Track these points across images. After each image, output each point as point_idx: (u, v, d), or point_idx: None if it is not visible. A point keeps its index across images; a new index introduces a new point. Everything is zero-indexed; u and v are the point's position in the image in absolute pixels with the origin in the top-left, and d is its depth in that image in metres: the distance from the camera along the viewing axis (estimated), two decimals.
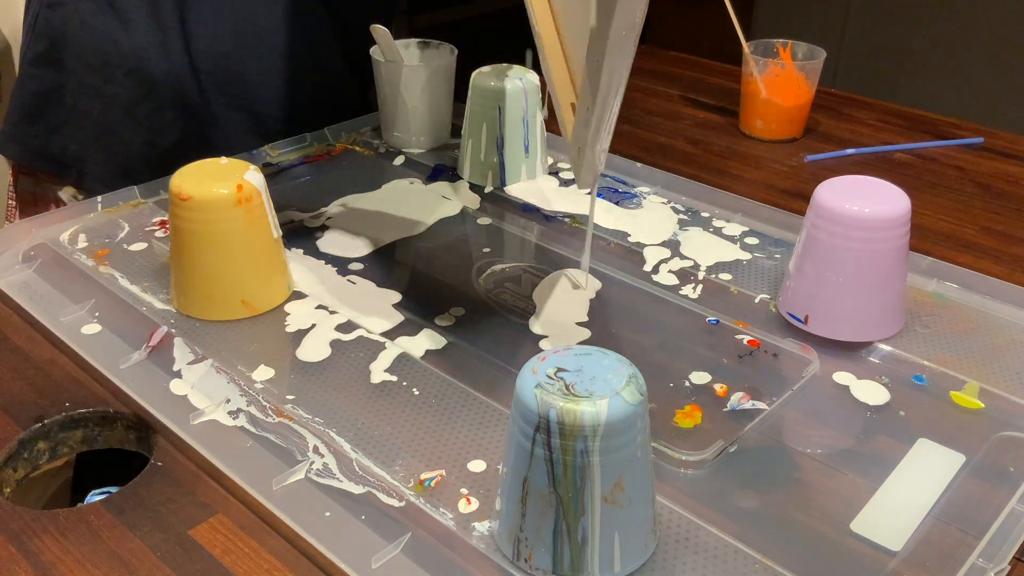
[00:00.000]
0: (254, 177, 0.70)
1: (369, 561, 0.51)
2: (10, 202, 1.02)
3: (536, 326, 0.72)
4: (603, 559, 0.50)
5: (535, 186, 0.93)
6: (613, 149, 0.99)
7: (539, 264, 0.81)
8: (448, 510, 0.55)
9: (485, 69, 0.92)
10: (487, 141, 0.92)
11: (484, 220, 0.88)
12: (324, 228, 0.85)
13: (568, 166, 0.97)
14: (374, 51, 0.96)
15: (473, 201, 0.90)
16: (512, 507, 0.50)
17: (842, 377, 0.67)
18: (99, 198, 0.87)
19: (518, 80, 0.90)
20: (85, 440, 0.65)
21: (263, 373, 0.66)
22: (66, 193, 0.98)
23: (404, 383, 0.66)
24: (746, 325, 0.72)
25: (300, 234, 0.84)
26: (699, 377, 0.66)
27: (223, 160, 0.73)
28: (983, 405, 0.64)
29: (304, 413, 0.62)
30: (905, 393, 0.65)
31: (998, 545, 0.53)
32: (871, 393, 0.65)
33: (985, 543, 0.53)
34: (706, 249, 0.82)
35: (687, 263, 0.80)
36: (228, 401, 0.63)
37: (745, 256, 0.81)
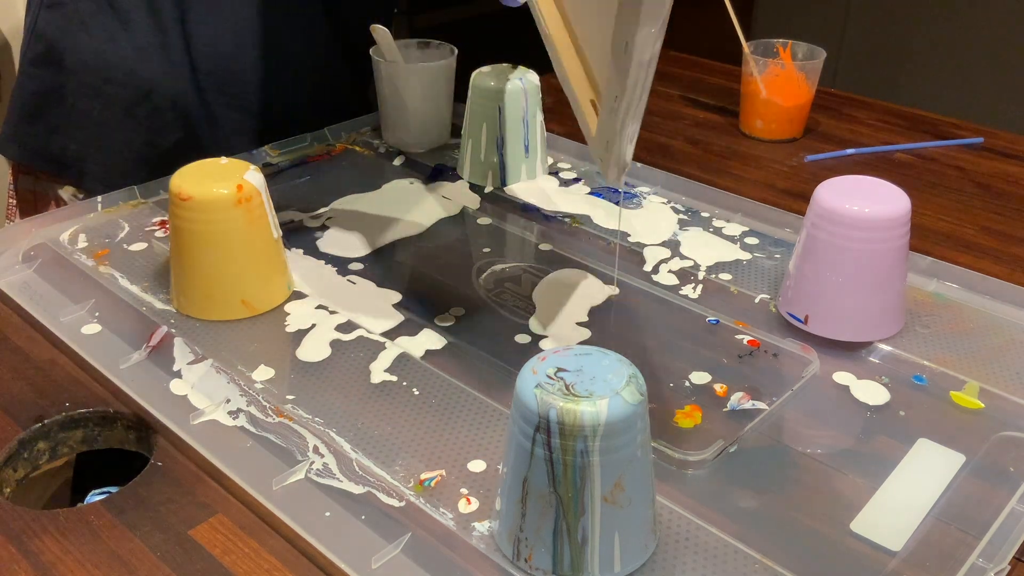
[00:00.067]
0: (254, 177, 0.70)
1: (369, 561, 0.51)
2: (10, 201, 1.02)
3: (536, 326, 0.72)
4: (603, 559, 0.50)
5: (535, 186, 0.93)
6: None
7: (539, 264, 0.81)
8: (448, 510, 0.55)
9: (485, 69, 0.92)
10: (487, 141, 0.92)
11: (484, 220, 0.88)
12: (324, 228, 0.85)
13: (568, 166, 0.97)
14: (374, 51, 0.96)
15: (473, 201, 0.90)
16: (512, 507, 0.50)
17: (842, 377, 0.67)
18: (99, 198, 0.87)
19: (518, 80, 0.90)
20: (85, 440, 0.65)
21: (263, 373, 0.66)
22: (66, 192, 0.98)
23: (404, 383, 0.66)
24: (746, 325, 0.72)
25: (300, 234, 0.84)
26: (699, 377, 0.66)
27: (223, 160, 0.73)
28: (983, 405, 0.64)
29: (304, 413, 0.62)
30: (905, 393, 0.65)
31: (998, 545, 0.53)
32: (871, 393, 0.65)
33: (985, 543, 0.53)
34: (706, 249, 0.82)
35: (687, 263, 0.80)
36: (228, 401, 0.63)
37: (745, 256, 0.81)
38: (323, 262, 0.80)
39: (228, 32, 0.94)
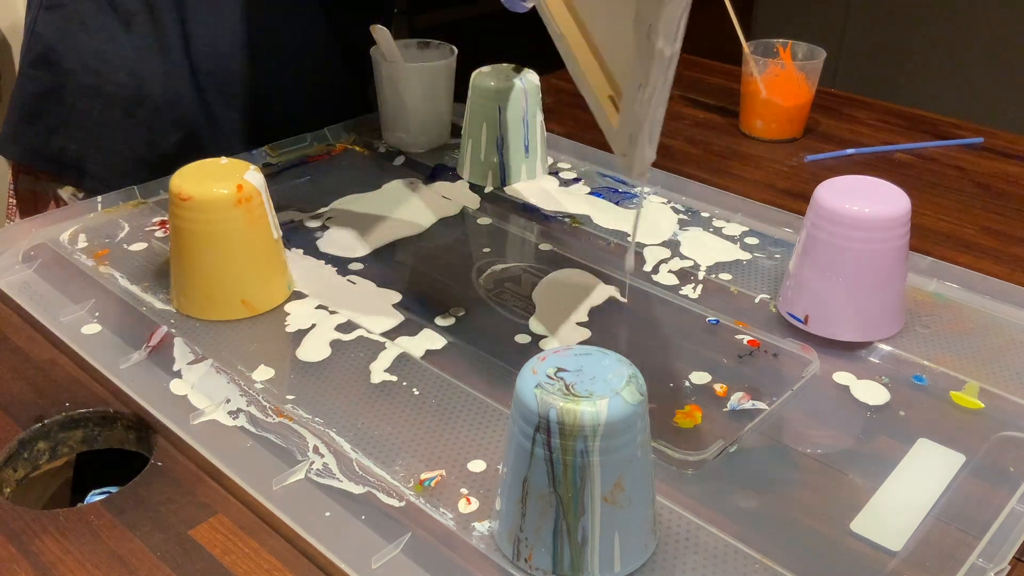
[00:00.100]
0: (254, 177, 0.70)
1: (369, 561, 0.51)
2: (10, 201, 1.02)
3: (536, 326, 0.72)
4: (603, 559, 0.50)
5: (535, 186, 0.93)
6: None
7: (539, 264, 0.81)
8: (448, 510, 0.55)
9: (485, 69, 0.92)
10: (487, 141, 0.92)
11: (484, 220, 0.88)
12: (324, 228, 0.85)
13: (568, 166, 0.97)
14: (374, 51, 0.96)
15: (473, 201, 0.90)
16: (512, 507, 0.50)
17: (842, 377, 0.67)
18: (99, 198, 0.87)
19: (518, 80, 0.90)
20: (85, 440, 0.65)
21: (263, 373, 0.66)
22: (66, 192, 0.98)
23: (404, 383, 0.66)
24: (746, 325, 0.72)
25: (300, 234, 0.84)
26: (699, 377, 0.66)
27: (223, 160, 0.73)
28: (983, 405, 0.64)
29: (304, 413, 0.62)
30: (905, 393, 0.65)
31: (998, 545, 0.53)
32: (871, 393, 0.65)
33: (985, 543, 0.53)
34: (706, 249, 0.82)
35: (687, 263, 0.80)
36: (228, 401, 0.63)
37: (745, 256, 0.81)
38: (323, 262, 0.80)
39: (227, 33, 0.94)
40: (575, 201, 0.90)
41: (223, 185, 0.69)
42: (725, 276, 0.78)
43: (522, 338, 0.71)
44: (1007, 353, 0.69)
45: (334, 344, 0.69)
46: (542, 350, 0.56)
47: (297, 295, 0.75)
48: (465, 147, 0.94)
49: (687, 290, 0.77)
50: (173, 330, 0.70)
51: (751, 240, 0.84)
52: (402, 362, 0.68)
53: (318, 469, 0.58)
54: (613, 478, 0.48)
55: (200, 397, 0.64)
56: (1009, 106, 2.42)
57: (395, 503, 0.55)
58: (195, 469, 0.59)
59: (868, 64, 2.67)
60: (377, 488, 0.56)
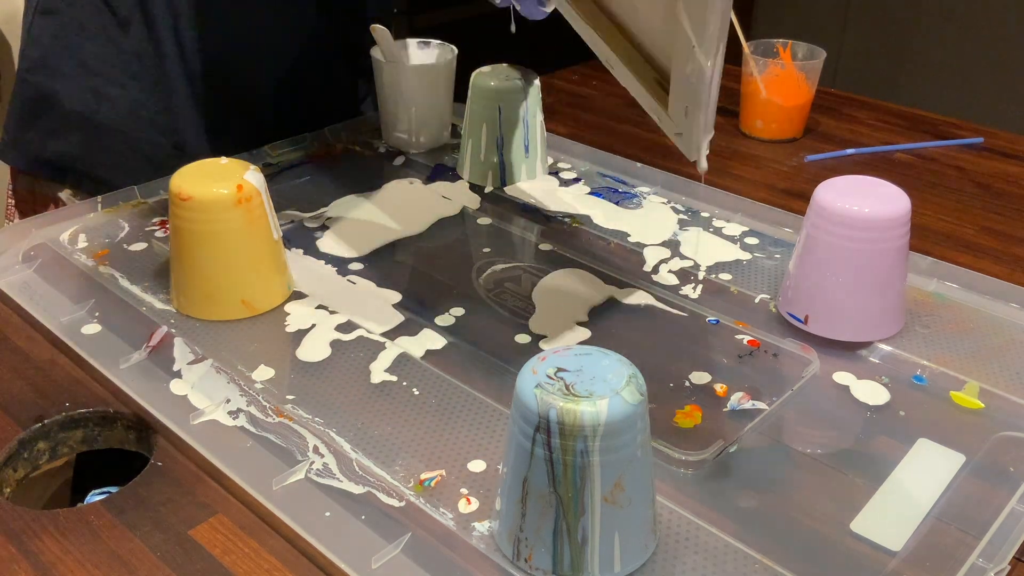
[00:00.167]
0: (254, 177, 0.70)
1: (369, 561, 0.51)
2: (9, 201, 1.02)
3: (536, 326, 0.72)
4: (603, 559, 0.50)
5: (535, 186, 0.93)
6: (613, 148, 0.99)
7: (539, 264, 0.81)
8: (448, 510, 0.55)
9: (485, 69, 0.92)
10: (487, 141, 0.92)
11: (484, 220, 0.88)
12: (324, 228, 0.85)
13: (568, 166, 0.97)
14: (374, 51, 0.96)
15: (473, 201, 0.90)
16: (512, 507, 0.50)
17: (842, 377, 0.67)
18: (99, 198, 0.87)
19: (518, 80, 0.90)
20: (85, 440, 0.65)
21: (263, 373, 0.66)
22: (64, 194, 0.98)
23: (404, 383, 0.66)
24: (746, 325, 0.72)
25: (300, 234, 0.84)
26: (699, 377, 0.66)
27: (223, 160, 0.73)
28: (983, 405, 0.64)
29: (304, 413, 0.62)
30: (905, 393, 0.65)
31: (998, 545, 0.53)
32: (871, 393, 0.65)
33: (985, 543, 0.53)
34: (706, 249, 0.82)
35: (687, 263, 0.80)
36: (228, 401, 0.63)
37: (745, 256, 0.81)
38: (323, 262, 0.80)
39: (222, 36, 0.94)
40: (575, 201, 0.90)
41: (223, 185, 0.69)
42: (725, 276, 0.78)
43: (522, 338, 0.71)
44: (1007, 353, 0.69)
45: (334, 344, 0.69)
46: (542, 350, 0.56)
47: (297, 295, 0.75)
48: (465, 147, 0.94)
49: (687, 290, 0.77)
50: (173, 330, 0.70)
51: (751, 240, 0.84)
52: (402, 362, 0.68)
53: (318, 469, 0.58)
54: (613, 478, 0.48)
55: (200, 397, 0.64)
56: (1009, 106, 2.42)
57: (395, 503, 0.55)
58: (195, 469, 0.59)
59: (868, 64, 2.67)
60: (377, 488, 0.56)
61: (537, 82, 0.91)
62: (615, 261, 0.81)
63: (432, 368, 0.67)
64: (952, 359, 0.69)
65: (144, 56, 0.92)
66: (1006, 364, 0.68)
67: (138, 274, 0.77)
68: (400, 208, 0.89)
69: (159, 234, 0.83)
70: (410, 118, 0.98)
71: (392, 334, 0.71)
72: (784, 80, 1.05)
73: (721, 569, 0.52)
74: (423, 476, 0.57)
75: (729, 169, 1.02)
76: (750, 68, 1.06)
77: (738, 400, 0.64)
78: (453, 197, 0.91)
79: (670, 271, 0.79)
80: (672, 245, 0.83)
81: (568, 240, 0.84)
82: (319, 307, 0.74)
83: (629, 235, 0.84)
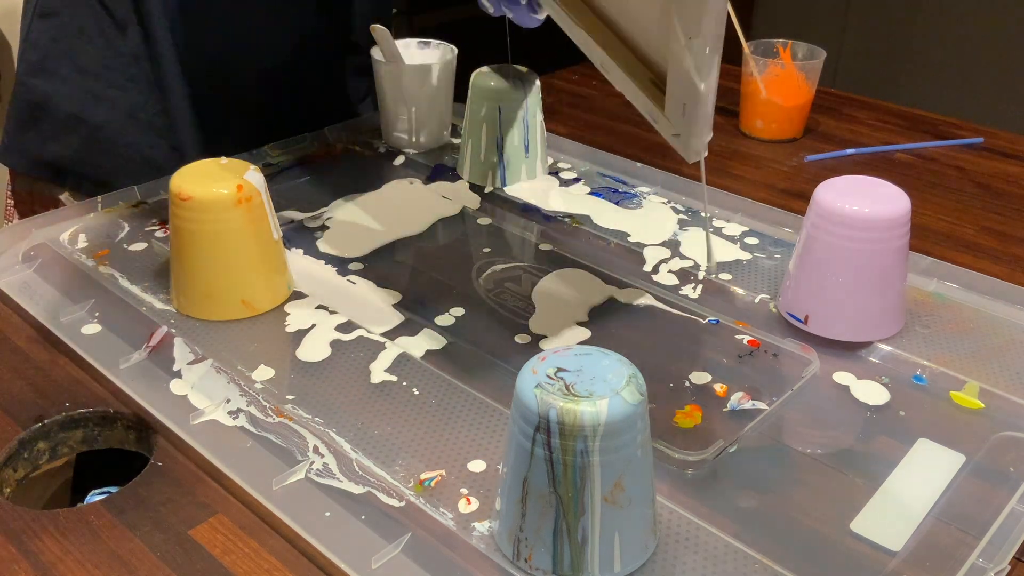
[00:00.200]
0: (254, 177, 0.70)
1: (369, 561, 0.51)
2: (9, 202, 1.02)
3: (536, 326, 0.72)
4: (603, 559, 0.50)
5: (535, 186, 0.93)
6: (613, 149, 0.99)
7: (539, 264, 0.81)
8: (448, 510, 0.55)
9: (485, 69, 0.92)
10: (487, 141, 0.92)
11: (484, 220, 0.88)
12: (324, 228, 0.85)
13: (568, 166, 0.97)
14: (374, 51, 0.96)
15: (473, 201, 0.90)
16: (512, 507, 0.50)
17: (842, 377, 0.67)
18: (99, 198, 0.87)
19: (518, 80, 0.90)
20: (85, 440, 0.65)
21: (263, 373, 0.66)
22: (64, 195, 0.98)
23: (404, 383, 0.66)
24: (746, 325, 0.72)
25: (300, 234, 0.84)
26: (699, 377, 0.66)
27: (223, 160, 0.73)
28: (983, 405, 0.64)
29: (304, 413, 0.62)
30: (905, 393, 0.65)
31: (998, 545, 0.53)
32: (871, 393, 0.65)
33: (985, 543, 0.53)
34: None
35: (687, 263, 0.80)
36: (228, 401, 0.63)
37: (745, 256, 0.81)
38: (323, 262, 0.80)
39: (221, 36, 0.94)
40: (575, 201, 0.90)
41: (223, 185, 0.69)
42: (725, 276, 0.78)
43: (522, 338, 0.71)
44: (1007, 353, 0.69)
45: (334, 344, 0.69)
46: (542, 350, 0.56)
47: (297, 295, 0.75)
48: (465, 147, 0.94)
49: (687, 290, 0.77)
50: (173, 330, 0.70)
51: (751, 240, 0.84)
52: (402, 362, 0.68)
53: (318, 469, 0.58)
54: (613, 478, 0.48)
55: (200, 397, 0.64)
56: (1009, 106, 2.42)
57: (395, 503, 0.55)
58: (195, 469, 0.59)
59: (868, 64, 2.67)
60: (377, 488, 0.56)
61: (537, 82, 0.91)
62: (615, 261, 0.81)
63: (432, 368, 0.67)
64: (952, 359, 0.69)
65: (141, 58, 0.92)
66: (1006, 364, 0.68)
67: (138, 274, 0.77)
68: (400, 208, 0.89)
69: (159, 234, 0.83)
70: (410, 118, 0.98)
71: (392, 334, 0.71)
72: (784, 80, 1.05)
73: (721, 569, 0.52)
74: (423, 476, 0.57)
75: (729, 169, 1.02)
76: (750, 68, 1.06)
77: (738, 400, 0.64)
78: (453, 197, 0.91)
79: (670, 271, 0.79)
80: (672, 245, 0.83)
81: (568, 240, 0.84)
82: (319, 307, 0.74)
83: (629, 235, 0.84)
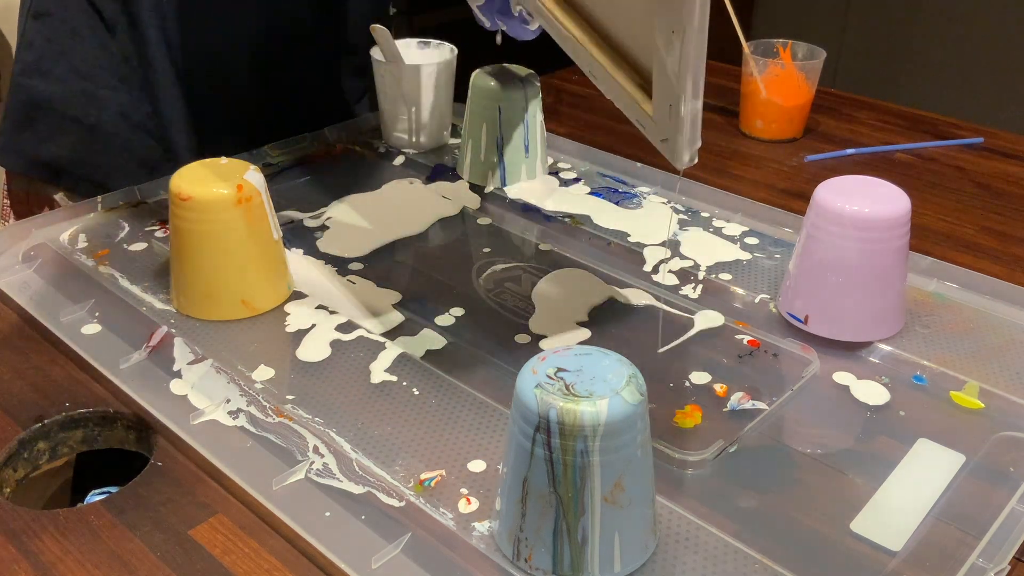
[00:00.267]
0: (254, 177, 0.70)
1: (369, 561, 0.51)
2: (5, 202, 1.02)
3: (536, 326, 0.72)
4: (603, 559, 0.50)
5: (535, 186, 0.93)
6: (613, 149, 0.99)
7: (539, 264, 0.81)
8: (448, 510, 0.55)
9: (485, 69, 0.92)
10: (487, 141, 0.92)
11: (484, 220, 0.88)
12: (324, 228, 0.85)
13: (568, 166, 0.97)
14: (374, 51, 0.96)
15: (473, 201, 0.90)
16: (512, 507, 0.50)
17: (842, 377, 0.67)
18: (99, 198, 0.87)
19: (518, 80, 0.90)
20: (85, 440, 0.65)
21: (263, 373, 0.66)
22: (59, 195, 0.98)
23: (404, 383, 0.66)
24: (746, 325, 0.72)
25: (300, 234, 0.84)
26: (699, 377, 0.66)
27: (223, 160, 0.73)
28: (983, 405, 0.64)
29: (304, 413, 0.62)
30: (905, 393, 0.65)
31: (998, 545, 0.53)
32: (871, 393, 0.65)
33: (985, 543, 0.53)
34: (706, 249, 0.82)
35: (687, 263, 0.80)
36: (228, 401, 0.63)
37: (745, 256, 0.81)
38: (323, 262, 0.80)
39: (213, 37, 0.94)
40: (575, 201, 0.90)
41: (223, 185, 0.69)
42: (725, 276, 0.78)
43: (522, 338, 0.71)
44: (1007, 353, 0.69)
45: (334, 344, 0.69)
46: (542, 350, 0.56)
47: (297, 295, 0.75)
48: (465, 147, 0.94)
49: (687, 290, 0.77)
50: (173, 330, 0.70)
51: (751, 240, 0.84)
52: (402, 362, 0.68)
53: (318, 469, 0.58)
54: (613, 478, 0.48)
55: (200, 397, 0.64)
56: (1009, 106, 2.42)
57: (395, 503, 0.55)
58: (195, 469, 0.59)
59: (868, 64, 2.67)
60: (377, 488, 0.56)
61: (537, 82, 0.91)
62: (615, 261, 0.81)
63: (432, 368, 0.67)
64: (952, 359, 0.69)
65: (131, 59, 0.92)
66: (1006, 364, 0.68)
67: (138, 274, 0.77)
68: (400, 208, 0.89)
69: (159, 234, 0.83)
70: (410, 118, 0.98)
71: (392, 334, 0.71)
72: (784, 80, 1.05)
73: (721, 569, 0.52)
74: (423, 476, 0.57)
75: (729, 169, 1.02)
76: (750, 68, 1.06)
77: (738, 400, 0.64)
78: (453, 197, 0.91)
79: (670, 271, 0.79)
80: (672, 245, 0.83)
81: (568, 240, 0.84)
82: (319, 307, 0.74)
83: (629, 235, 0.84)
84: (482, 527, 0.54)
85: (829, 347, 0.69)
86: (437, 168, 0.96)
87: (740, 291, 0.76)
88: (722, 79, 1.26)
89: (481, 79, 0.91)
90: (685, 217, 0.88)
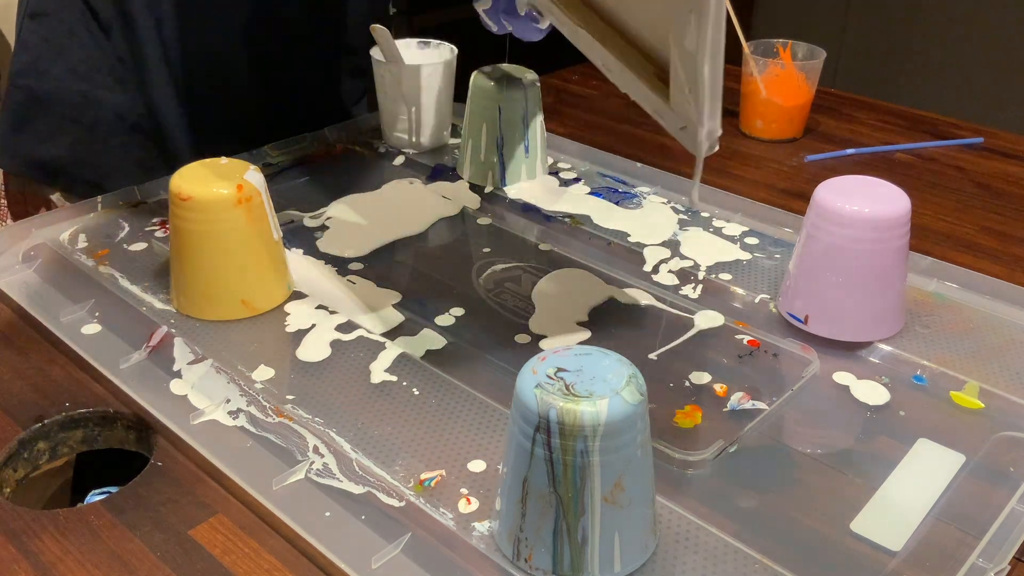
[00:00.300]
0: (254, 177, 0.70)
1: (369, 561, 0.51)
2: (2, 202, 1.02)
3: (536, 326, 0.72)
4: (603, 559, 0.50)
5: (535, 186, 0.93)
6: (613, 149, 0.99)
7: (539, 264, 0.81)
8: (448, 510, 0.55)
9: (485, 69, 0.92)
10: (487, 141, 0.92)
11: (484, 220, 0.88)
12: (324, 228, 0.85)
13: (568, 166, 0.97)
14: (374, 51, 0.96)
15: (473, 201, 0.90)
16: (512, 507, 0.50)
17: (842, 377, 0.67)
18: (99, 198, 0.87)
19: (518, 80, 0.90)
20: (85, 440, 0.65)
21: (263, 373, 0.66)
22: (56, 196, 0.98)
23: (404, 383, 0.66)
24: (746, 325, 0.72)
25: (300, 234, 0.84)
26: (699, 377, 0.66)
27: (223, 160, 0.73)
28: (983, 405, 0.64)
29: (304, 413, 0.62)
30: (905, 393, 0.65)
31: (998, 545, 0.53)
32: (871, 393, 0.65)
33: (985, 543, 0.53)
34: (706, 249, 0.82)
35: (687, 263, 0.80)
36: (228, 401, 0.63)
37: (745, 256, 0.81)
38: (323, 262, 0.80)
39: (209, 38, 0.94)
40: (575, 201, 0.90)
41: (223, 185, 0.69)
42: (725, 276, 0.78)
43: (522, 338, 0.71)
44: (1007, 353, 0.69)
45: (334, 344, 0.69)
46: (542, 350, 0.56)
47: (297, 295, 0.75)
48: (465, 147, 0.94)
49: (687, 290, 0.77)
50: (173, 330, 0.70)
51: (751, 240, 0.84)
52: (402, 362, 0.68)
53: (318, 469, 0.58)
54: (613, 478, 0.48)
55: (200, 397, 0.64)
56: (1009, 106, 2.42)
57: (395, 503, 0.55)
58: (195, 469, 0.59)
59: (868, 64, 2.67)
60: (377, 488, 0.56)
61: (537, 82, 0.91)
62: (615, 261, 0.81)
63: (432, 368, 0.67)
64: (952, 359, 0.69)
65: (128, 59, 0.92)
66: (1006, 364, 0.68)
67: (138, 274, 0.77)
68: (400, 208, 0.89)
69: (159, 234, 0.83)
70: (410, 118, 0.98)
71: (392, 334, 0.71)
72: (784, 80, 1.05)
73: (721, 569, 0.52)
74: (423, 476, 0.57)
75: (729, 169, 1.02)
76: (750, 68, 1.06)
77: (738, 400, 0.64)
78: (453, 197, 0.91)
79: (670, 271, 0.79)
80: (672, 245, 0.83)
81: (568, 240, 0.84)
82: (319, 307, 0.74)
83: (629, 235, 0.84)
84: (482, 527, 0.54)
85: (829, 347, 0.69)
86: (437, 168, 0.96)
87: (740, 291, 0.76)
88: (723, 79, 1.26)
89: (481, 79, 0.91)
90: (685, 217, 0.88)
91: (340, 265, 0.80)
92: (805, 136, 1.10)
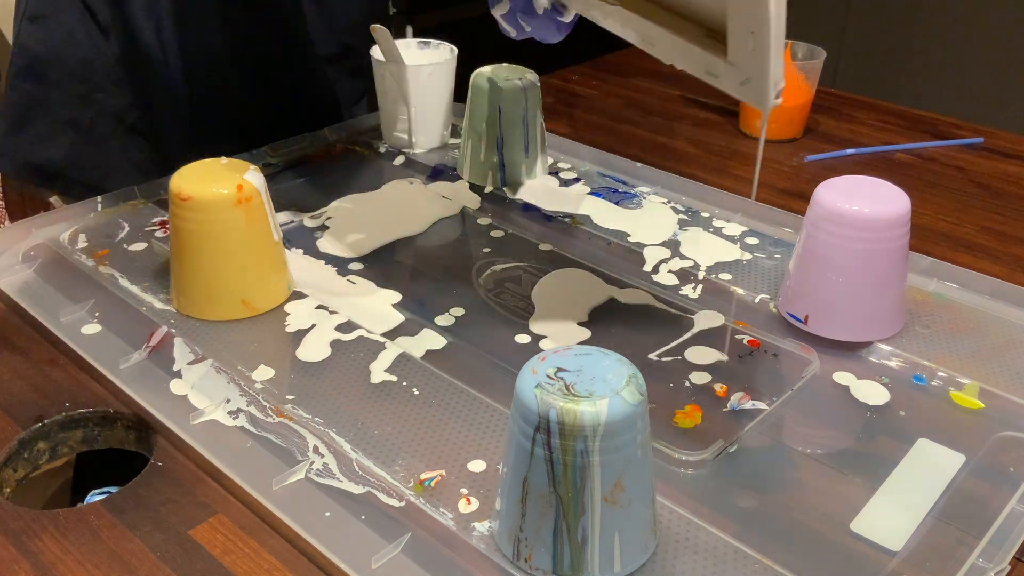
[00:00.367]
0: (254, 177, 0.70)
1: (369, 561, 0.51)
2: (0, 203, 1.02)
3: (536, 326, 0.72)
4: (603, 559, 0.50)
5: (535, 186, 0.93)
6: (613, 148, 0.99)
7: (539, 264, 0.81)
8: (448, 510, 0.55)
9: (485, 69, 0.92)
10: (487, 141, 0.92)
11: (484, 220, 0.88)
12: (324, 228, 0.85)
13: (568, 166, 0.97)
14: (374, 51, 0.96)
15: (473, 201, 0.90)
16: (512, 507, 0.50)
17: (842, 377, 0.67)
18: (99, 198, 0.87)
19: (518, 80, 0.90)
20: (85, 440, 0.65)
21: (263, 373, 0.66)
22: (54, 198, 0.98)
23: (404, 383, 0.66)
24: (746, 325, 0.72)
25: (300, 234, 0.84)
26: (699, 377, 0.66)
27: (223, 160, 0.73)
28: (983, 405, 0.64)
29: (304, 413, 0.62)
30: (905, 393, 0.65)
31: (998, 545, 0.53)
32: (871, 393, 0.65)
33: (985, 543, 0.53)
34: (706, 249, 0.82)
35: (687, 263, 0.80)
36: (228, 401, 0.63)
37: (745, 256, 0.81)
38: (323, 262, 0.80)
39: (208, 40, 0.94)
40: (575, 201, 0.90)
41: (223, 185, 0.69)
42: (725, 276, 0.78)
43: (522, 338, 0.71)
44: (1007, 353, 0.69)
45: (334, 344, 0.69)
46: (542, 350, 0.56)
47: (297, 295, 0.75)
48: (465, 147, 0.94)
49: (687, 290, 0.77)
50: (173, 330, 0.70)
51: (751, 240, 0.84)
52: (402, 362, 0.68)
53: (318, 469, 0.58)
54: (613, 478, 0.48)
55: (200, 397, 0.64)
56: (1009, 106, 2.42)
57: (395, 503, 0.55)
58: (195, 469, 0.59)
59: (868, 64, 2.67)
60: (377, 488, 0.56)
61: (537, 82, 0.91)
62: (615, 261, 0.81)
63: (432, 368, 0.67)
64: (952, 359, 0.69)
65: (125, 62, 0.92)
66: (1006, 364, 0.68)
67: (138, 274, 0.77)
68: (400, 208, 0.89)
69: (159, 234, 0.83)
70: (410, 118, 0.98)
71: (392, 334, 0.71)
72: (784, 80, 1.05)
73: (721, 569, 0.52)
74: (423, 476, 0.57)
75: (729, 169, 1.02)
76: None
77: (738, 400, 0.64)
78: (453, 197, 0.91)
79: (670, 271, 0.79)
80: (672, 245, 0.83)
81: (568, 240, 0.84)
82: (319, 307, 0.74)
83: (629, 235, 0.84)
84: (482, 527, 0.54)
85: (829, 347, 0.69)
86: (437, 168, 0.96)
87: (740, 291, 0.76)
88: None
89: (481, 79, 0.91)
90: (685, 217, 0.88)
91: (340, 265, 0.80)
92: (805, 136, 1.10)
